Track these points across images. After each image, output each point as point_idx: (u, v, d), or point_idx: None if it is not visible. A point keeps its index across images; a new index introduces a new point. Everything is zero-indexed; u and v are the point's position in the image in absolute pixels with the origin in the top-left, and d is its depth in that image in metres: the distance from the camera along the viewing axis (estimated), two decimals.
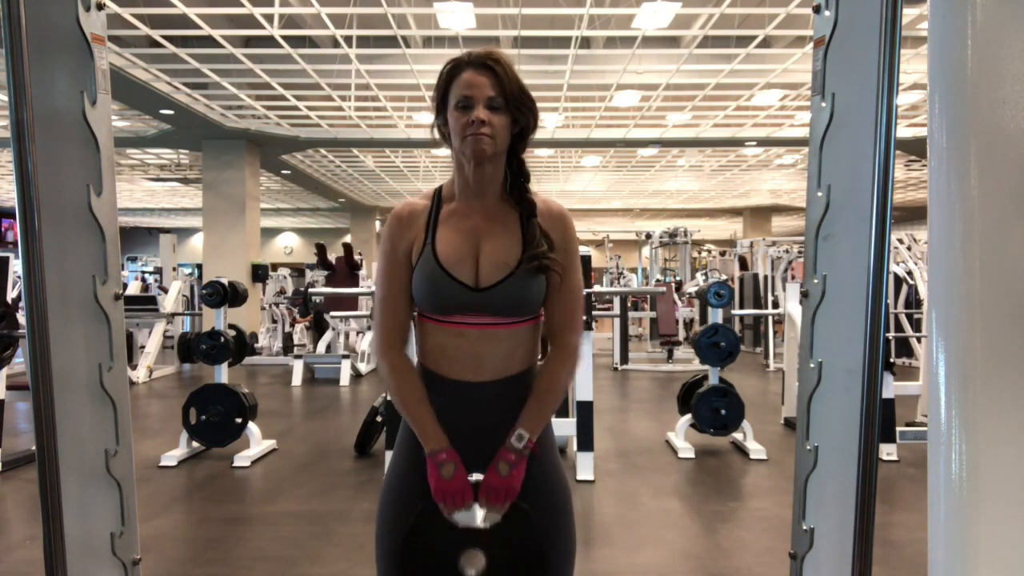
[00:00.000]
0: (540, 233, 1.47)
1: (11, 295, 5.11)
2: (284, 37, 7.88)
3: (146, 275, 16.80)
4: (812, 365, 1.49)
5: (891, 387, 5.00)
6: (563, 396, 1.56)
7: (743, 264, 13.27)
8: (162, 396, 8.05)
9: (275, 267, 14.38)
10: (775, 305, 10.34)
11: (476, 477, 1.45)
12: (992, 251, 1.13)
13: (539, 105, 1.51)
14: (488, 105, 1.41)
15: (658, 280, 13.82)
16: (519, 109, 1.44)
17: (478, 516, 1.43)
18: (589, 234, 18.40)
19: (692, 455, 5.15)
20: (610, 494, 4.34)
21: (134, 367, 8.88)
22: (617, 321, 9.99)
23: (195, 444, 5.15)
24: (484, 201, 1.49)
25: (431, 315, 1.48)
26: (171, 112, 10.52)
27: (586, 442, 4.62)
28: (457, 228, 1.48)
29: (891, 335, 8.22)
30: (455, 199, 1.51)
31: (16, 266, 6.02)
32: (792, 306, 6.29)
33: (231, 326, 5.49)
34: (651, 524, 3.84)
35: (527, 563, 1.45)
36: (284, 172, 15.66)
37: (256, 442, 5.14)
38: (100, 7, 1.50)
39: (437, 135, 1.52)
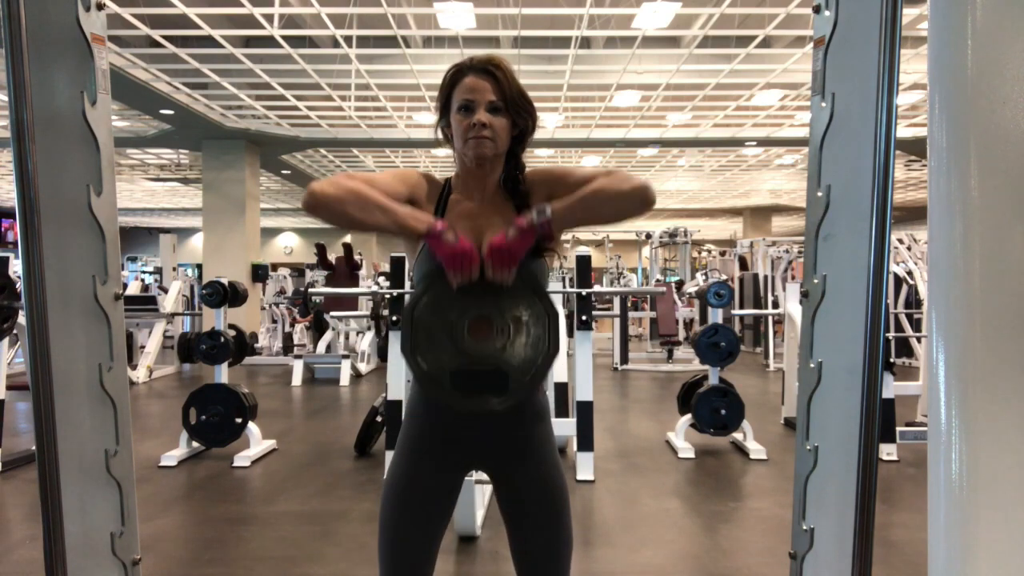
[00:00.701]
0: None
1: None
2: (284, 37, 7.88)
3: (144, 276, 16.80)
4: (812, 365, 1.49)
5: (891, 387, 5.00)
6: (608, 203, 1.44)
7: (743, 264, 13.27)
8: (162, 396, 8.05)
9: (275, 267, 14.38)
10: (775, 305, 10.34)
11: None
12: (992, 251, 1.13)
13: (539, 105, 1.56)
14: (489, 108, 1.48)
15: (658, 280, 13.82)
16: (519, 112, 1.51)
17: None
18: (589, 234, 18.43)
19: (692, 455, 5.15)
20: (610, 494, 4.34)
21: (134, 367, 8.88)
22: (617, 321, 9.99)
23: (195, 444, 5.15)
24: (484, 194, 1.58)
25: None
26: (171, 112, 10.53)
27: (586, 442, 4.62)
28: (460, 220, 1.55)
29: (891, 335, 8.22)
30: (458, 191, 1.60)
31: (16, 266, 6.02)
32: (792, 306, 6.29)
33: (231, 326, 5.49)
34: (651, 524, 3.84)
35: (536, 330, 1.44)
36: (284, 172, 15.66)
37: (256, 442, 5.14)
38: (100, 7, 1.50)
39: (441, 136, 1.60)
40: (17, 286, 4.93)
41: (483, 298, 1.42)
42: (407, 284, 4.66)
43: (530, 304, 1.44)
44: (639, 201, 1.42)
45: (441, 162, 15.59)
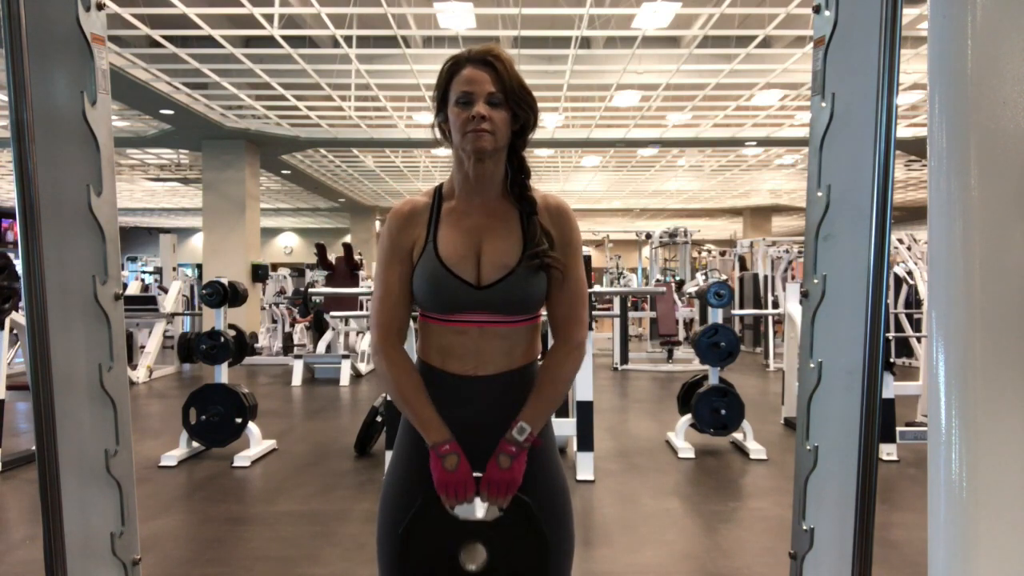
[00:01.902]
0: (541, 231, 1.47)
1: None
2: (284, 37, 7.88)
3: (144, 276, 16.80)
4: (812, 365, 1.49)
5: (891, 387, 5.00)
6: (566, 391, 1.54)
7: (743, 264, 13.27)
8: (162, 396, 8.05)
9: (275, 267, 14.39)
10: (775, 305, 10.34)
11: (478, 475, 1.45)
12: (992, 251, 1.13)
13: (539, 105, 1.52)
14: (488, 101, 1.41)
15: (658, 280, 13.83)
16: (519, 105, 1.44)
17: (479, 510, 1.43)
18: (589, 234, 18.45)
19: (692, 455, 5.15)
20: (610, 494, 4.34)
21: (134, 367, 8.88)
22: (617, 321, 9.99)
23: (195, 444, 5.15)
24: (484, 198, 1.50)
25: (433, 314, 1.49)
26: (171, 112, 10.53)
27: (586, 442, 4.62)
28: (458, 226, 1.48)
29: (891, 335, 8.22)
30: (455, 196, 1.52)
31: (16, 265, 6.01)
32: (792, 306, 6.29)
33: (231, 326, 5.49)
34: (651, 524, 3.84)
35: (529, 554, 1.45)
36: (284, 172, 15.66)
37: (256, 442, 5.14)
38: (100, 7, 1.50)
39: (438, 133, 1.52)
40: (16, 266, 4.92)
41: (478, 520, 1.43)
42: None
43: (524, 528, 1.45)
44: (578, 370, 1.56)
45: (441, 162, 15.58)
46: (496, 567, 1.43)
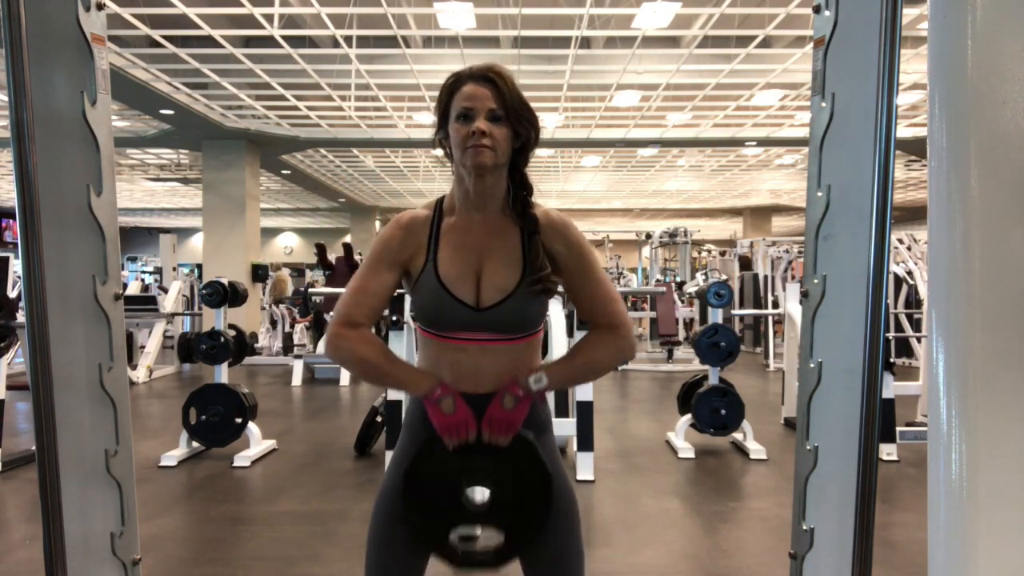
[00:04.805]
0: (543, 252, 1.46)
1: (12, 294, 5.10)
2: (284, 37, 7.88)
3: (144, 276, 16.79)
4: (812, 365, 1.49)
5: (891, 387, 5.00)
6: (596, 374, 1.54)
7: (743, 264, 13.26)
8: (162, 396, 8.05)
9: (275, 267, 14.37)
10: (775, 305, 10.33)
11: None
12: (992, 251, 1.13)
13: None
14: (489, 117, 1.41)
15: (658, 280, 13.82)
16: (520, 121, 1.43)
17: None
18: (589, 234, 18.47)
19: (692, 455, 5.15)
20: (610, 494, 4.34)
21: (134, 367, 8.88)
22: None
23: (195, 444, 5.14)
24: (485, 215, 1.49)
25: (431, 331, 1.48)
26: (171, 112, 10.52)
27: (586, 442, 4.62)
28: (458, 244, 1.47)
29: (891, 335, 8.21)
30: (456, 212, 1.50)
31: (16, 266, 6.01)
32: (792, 306, 6.28)
33: (231, 326, 5.49)
34: (651, 524, 3.84)
35: (532, 493, 1.44)
36: (284, 172, 15.66)
37: (256, 442, 5.14)
38: (100, 7, 1.50)
39: (440, 150, 1.52)
40: (14, 291, 4.92)
41: (480, 458, 1.43)
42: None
43: (527, 466, 1.44)
44: (622, 362, 1.56)
45: (442, 162, 15.56)
46: (500, 506, 1.43)
